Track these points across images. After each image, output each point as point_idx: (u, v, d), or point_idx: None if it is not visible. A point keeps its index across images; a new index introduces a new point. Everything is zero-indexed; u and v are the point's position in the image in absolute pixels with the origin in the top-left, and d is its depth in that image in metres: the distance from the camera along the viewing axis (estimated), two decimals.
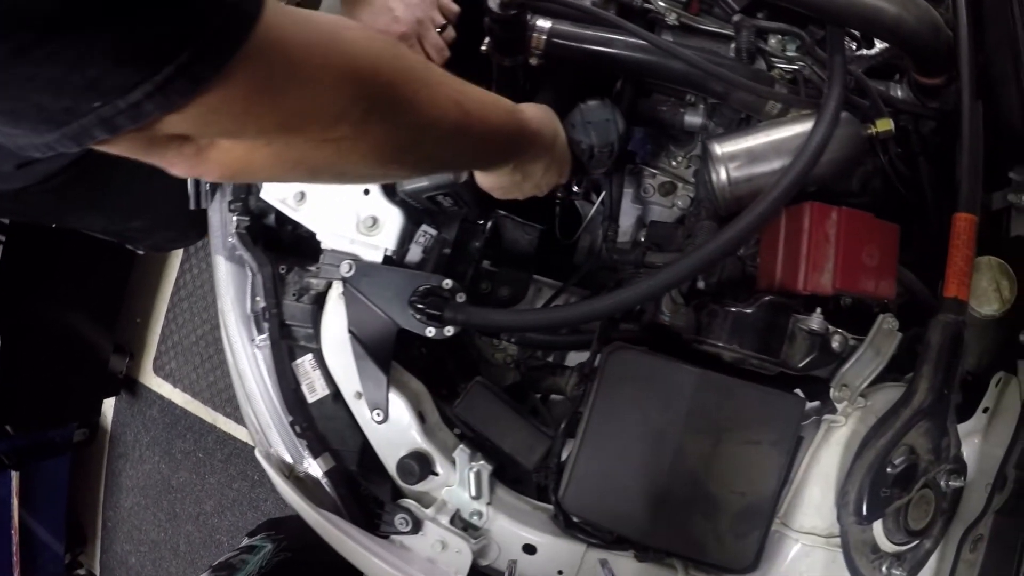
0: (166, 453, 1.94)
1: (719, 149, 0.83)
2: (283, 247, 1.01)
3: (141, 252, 1.78)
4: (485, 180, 0.78)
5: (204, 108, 0.34)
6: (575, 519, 0.81)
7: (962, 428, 0.81)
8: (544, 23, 0.84)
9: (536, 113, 0.76)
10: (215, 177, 0.43)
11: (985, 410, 0.83)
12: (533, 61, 0.87)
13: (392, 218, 0.90)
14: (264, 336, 0.96)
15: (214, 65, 0.33)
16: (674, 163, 1.08)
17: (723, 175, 0.82)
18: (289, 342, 0.95)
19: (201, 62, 0.32)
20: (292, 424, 0.93)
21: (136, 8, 0.29)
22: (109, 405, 2.00)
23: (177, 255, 1.96)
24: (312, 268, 0.95)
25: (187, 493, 1.91)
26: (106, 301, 1.84)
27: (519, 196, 0.84)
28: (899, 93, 0.91)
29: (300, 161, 0.45)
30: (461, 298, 0.85)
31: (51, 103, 0.30)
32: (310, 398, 0.94)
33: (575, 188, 1.06)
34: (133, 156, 0.38)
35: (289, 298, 0.95)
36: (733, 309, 0.77)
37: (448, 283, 0.85)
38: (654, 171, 1.07)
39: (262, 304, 0.96)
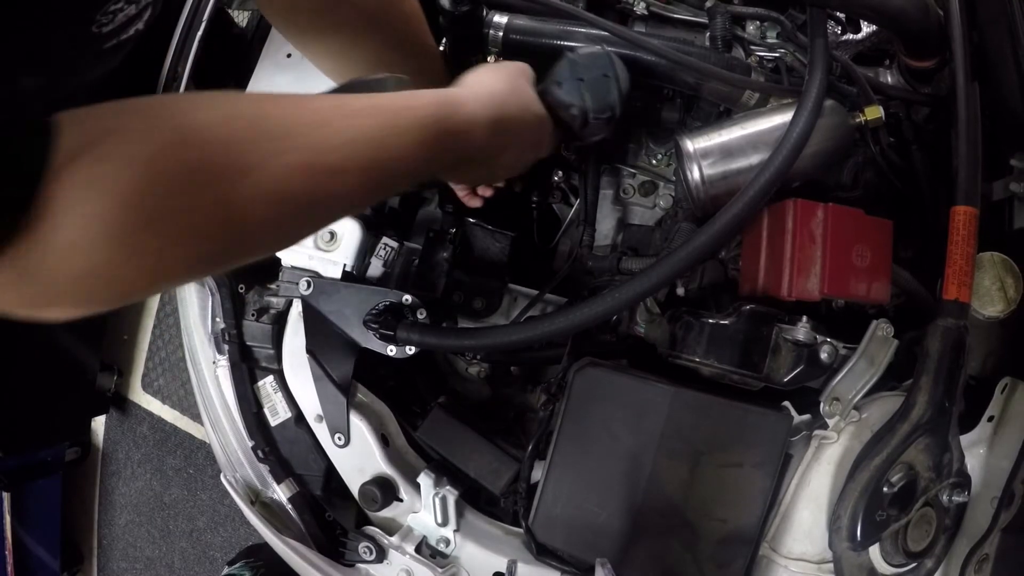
0: (157, 470, 1.92)
1: (691, 145, 0.77)
2: (243, 265, 0.97)
3: None
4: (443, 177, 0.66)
5: None
6: (548, 546, 0.76)
7: (965, 439, 0.74)
8: (500, 18, 0.79)
9: (490, 90, 0.57)
10: (50, 319, 0.38)
11: (990, 419, 0.76)
12: (491, 59, 0.82)
13: (350, 231, 0.86)
14: (224, 358, 0.92)
15: None
16: (654, 161, 1.02)
17: (696, 173, 0.76)
18: (250, 363, 0.91)
19: None
20: (254, 449, 0.89)
21: None
22: (100, 423, 1.99)
23: None
24: (272, 286, 0.91)
25: (180, 510, 1.89)
26: (92, 319, 1.81)
27: (494, 182, 0.72)
28: (889, 79, 0.85)
29: (110, 300, 0.38)
30: (422, 314, 0.80)
31: None
32: (272, 421, 0.90)
33: (555, 176, 1.00)
34: None
35: (249, 318, 0.91)
36: (710, 321, 0.71)
37: (408, 299, 0.80)
38: (633, 170, 1.02)
39: (221, 325, 0.92)
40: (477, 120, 0.55)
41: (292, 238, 0.51)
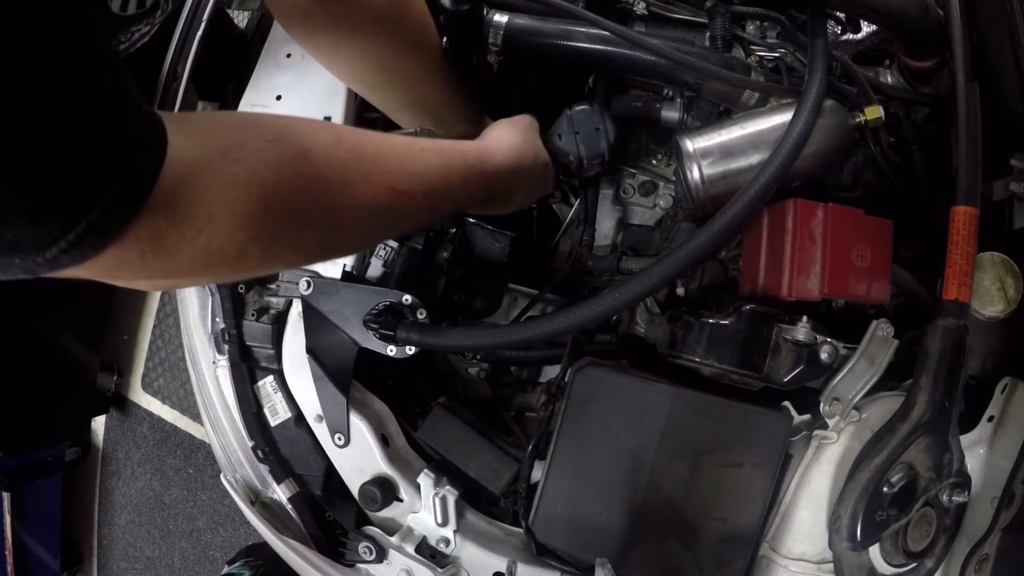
0: (157, 470, 1.92)
1: (691, 145, 0.77)
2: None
3: None
4: None
5: (105, 265, 0.36)
6: (548, 546, 0.76)
7: (965, 439, 0.74)
8: (501, 18, 0.79)
9: (511, 143, 0.70)
10: (154, 289, 0.44)
11: (990, 419, 0.76)
12: (491, 59, 0.82)
13: None
14: (224, 358, 0.92)
15: (118, 223, 0.35)
16: (654, 161, 1.02)
17: (696, 173, 0.76)
18: (250, 363, 0.91)
19: (107, 220, 0.34)
20: (254, 449, 0.89)
21: (44, 172, 0.31)
22: (100, 423, 1.99)
23: None
24: (272, 286, 0.91)
25: (180, 510, 1.89)
26: (92, 319, 1.82)
27: (506, 213, 0.82)
28: (889, 79, 0.85)
29: (221, 277, 0.48)
30: (422, 314, 0.80)
31: None
32: (272, 421, 0.90)
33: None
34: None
35: (249, 318, 0.91)
36: (710, 321, 0.71)
37: (408, 299, 0.80)
38: (633, 170, 1.02)
39: (221, 325, 0.92)
40: (504, 167, 0.68)
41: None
